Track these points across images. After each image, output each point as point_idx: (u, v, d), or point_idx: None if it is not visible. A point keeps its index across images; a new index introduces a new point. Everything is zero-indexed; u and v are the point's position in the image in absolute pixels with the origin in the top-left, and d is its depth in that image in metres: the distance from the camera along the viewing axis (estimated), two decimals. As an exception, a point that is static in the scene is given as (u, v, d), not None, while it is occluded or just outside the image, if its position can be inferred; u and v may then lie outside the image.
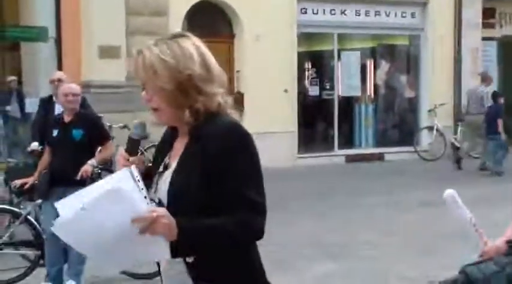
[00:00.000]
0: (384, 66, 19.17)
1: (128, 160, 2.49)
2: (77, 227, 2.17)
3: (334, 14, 17.73)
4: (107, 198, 2.15)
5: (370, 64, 18.96)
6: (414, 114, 19.03)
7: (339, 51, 18.15)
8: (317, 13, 17.56)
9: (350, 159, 17.62)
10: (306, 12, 17.38)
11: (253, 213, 2.36)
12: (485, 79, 17.24)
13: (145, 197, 2.25)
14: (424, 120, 18.65)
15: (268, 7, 16.43)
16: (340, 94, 18.07)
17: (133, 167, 2.36)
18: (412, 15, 18.70)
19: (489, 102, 16.19)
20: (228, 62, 16.77)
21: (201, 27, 16.66)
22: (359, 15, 18.00)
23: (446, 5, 18.68)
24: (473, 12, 19.01)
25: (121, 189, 2.17)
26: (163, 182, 2.45)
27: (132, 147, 2.54)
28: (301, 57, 17.49)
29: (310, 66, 18.20)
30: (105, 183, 2.26)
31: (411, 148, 17.95)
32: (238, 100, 16.55)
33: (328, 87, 18.13)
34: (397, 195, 12.48)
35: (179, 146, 2.50)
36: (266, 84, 16.42)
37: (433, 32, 18.59)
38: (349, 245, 8.71)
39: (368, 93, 18.99)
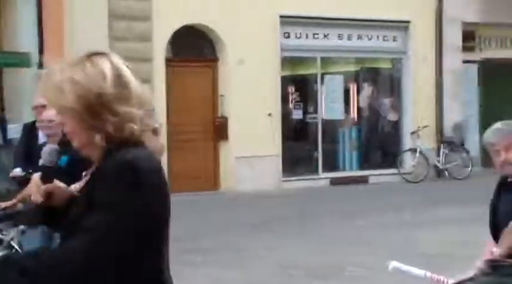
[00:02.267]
0: (367, 89, 19.29)
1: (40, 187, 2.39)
2: None
3: (317, 38, 17.87)
4: None
5: (353, 87, 19.07)
6: (397, 137, 19.13)
7: (322, 74, 18.27)
8: (300, 37, 17.70)
9: (334, 181, 17.66)
10: (289, 36, 17.51)
11: (85, 240, 2.16)
12: None
13: None
14: (407, 143, 18.76)
15: (252, 31, 16.53)
16: (323, 117, 18.15)
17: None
18: (394, 38, 18.88)
19: None
20: (212, 86, 16.86)
21: (185, 51, 16.81)
22: (341, 39, 18.15)
23: (427, 28, 18.86)
24: (453, 35, 19.20)
25: None
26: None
27: (45, 175, 2.46)
28: (285, 81, 17.59)
29: (293, 90, 18.28)
30: None
31: (395, 171, 18.04)
32: (223, 124, 16.63)
33: (311, 110, 18.21)
34: (383, 217, 12.49)
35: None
36: (250, 108, 16.49)
37: (415, 55, 18.76)
38: (337, 266, 8.71)
39: (351, 116, 19.09)
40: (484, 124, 20.42)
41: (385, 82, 19.73)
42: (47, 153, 2.53)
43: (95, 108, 2.23)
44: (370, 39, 18.52)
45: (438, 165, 18.45)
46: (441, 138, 18.86)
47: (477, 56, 20.14)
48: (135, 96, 2.29)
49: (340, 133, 18.77)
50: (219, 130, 16.67)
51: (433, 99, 19.00)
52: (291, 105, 18.13)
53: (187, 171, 15.94)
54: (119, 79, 2.27)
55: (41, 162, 2.53)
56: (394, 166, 18.27)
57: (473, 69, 20.18)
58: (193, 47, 16.95)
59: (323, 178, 17.77)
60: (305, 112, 18.17)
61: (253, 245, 10.14)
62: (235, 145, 16.64)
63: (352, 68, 19.32)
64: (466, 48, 19.64)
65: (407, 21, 18.60)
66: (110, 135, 2.24)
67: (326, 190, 17.05)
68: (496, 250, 3.99)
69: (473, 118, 20.04)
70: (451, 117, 19.14)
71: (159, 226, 2.25)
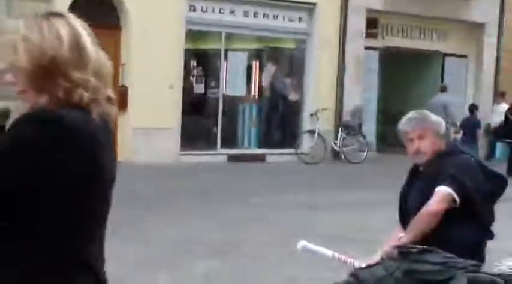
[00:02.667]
0: (270, 68, 19.33)
1: None
2: None
3: (223, 13, 17.72)
4: None
5: (256, 65, 19.08)
6: (297, 117, 19.26)
7: (226, 50, 18.16)
8: (206, 11, 17.50)
9: (232, 158, 17.65)
10: (195, 10, 17.30)
11: None
12: (444, 89, 18.59)
13: None
14: (306, 124, 18.91)
15: (157, 2, 16.23)
16: (225, 93, 18.09)
17: None
18: (300, 19, 18.95)
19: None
20: (114, 54, 16.45)
21: (87, 16, 16.17)
22: (247, 16, 18.07)
23: (333, 12, 19.01)
24: (358, 21, 19.45)
25: None
26: None
27: None
28: (189, 55, 17.41)
29: (196, 64, 18.12)
30: None
31: (293, 151, 18.16)
32: (123, 94, 16.29)
33: (213, 85, 18.11)
34: (280, 196, 12.54)
35: None
36: (151, 79, 16.20)
37: (319, 37, 18.88)
38: (235, 243, 8.67)
39: (253, 94, 19.10)
40: (382, 111, 21.06)
41: (288, 63, 19.84)
42: None
43: (48, 70, 2.15)
44: (275, 19, 18.52)
45: (335, 147, 18.70)
46: (339, 122, 19.11)
47: (379, 43, 20.50)
48: (91, 63, 2.21)
49: (240, 110, 18.75)
50: (118, 99, 16.22)
51: (334, 82, 19.20)
52: (193, 79, 17.96)
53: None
54: (75, 43, 2.19)
55: None
56: (292, 146, 18.40)
57: (375, 55, 20.53)
58: (96, 13, 16.44)
59: (221, 154, 17.72)
60: (207, 87, 18.06)
61: (150, 219, 9.97)
62: (134, 116, 16.35)
63: (256, 46, 19.33)
64: (368, 35, 19.94)
65: (314, 4, 18.68)
66: (58, 99, 2.15)
67: (224, 166, 17.00)
68: (404, 236, 4.01)
69: (371, 104, 20.43)
70: (351, 102, 19.41)
71: (52, 183, 2.10)
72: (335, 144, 18.72)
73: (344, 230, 9.61)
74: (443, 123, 4.26)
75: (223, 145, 18.01)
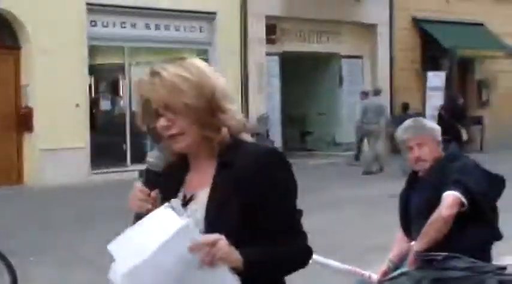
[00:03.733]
0: (174, 80, 19.16)
1: (149, 195, 2.24)
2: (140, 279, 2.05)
3: (124, 27, 17.48)
4: (166, 249, 2.04)
5: (161, 78, 18.87)
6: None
7: (130, 64, 17.89)
8: (107, 26, 17.22)
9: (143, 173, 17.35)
10: (95, 25, 16.97)
11: (301, 237, 2.28)
12: (378, 92, 18.99)
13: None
14: (214, 134, 18.82)
15: (57, 19, 15.83)
16: (132, 109, 17.79)
17: (173, 200, 2.18)
18: (201, 29, 18.90)
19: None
20: (14, 75, 15.96)
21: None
22: (149, 29, 17.89)
23: (232, 20, 19.07)
24: (257, 28, 19.58)
25: (178, 233, 2.06)
26: (192, 215, 2.22)
27: (150, 181, 2.28)
28: (93, 71, 17.01)
29: (102, 80, 17.76)
30: (152, 225, 2.12)
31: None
32: (27, 115, 15.81)
33: (119, 101, 17.80)
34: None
35: (196, 176, 2.31)
36: (57, 98, 15.80)
37: (221, 46, 18.88)
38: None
39: (159, 107, 18.88)
40: (285, 116, 21.28)
41: (191, 74, 19.68)
42: (154, 157, 2.32)
43: (211, 106, 2.22)
44: (177, 30, 18.41)
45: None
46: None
47: (279, 48, 20.69)
48: (229, 93, 2.31)
49: (148, 125, 18.49)
50: (23, 121, 15.81)
51: (238, 91, 19.23)
52: (98, 96, 17.58)
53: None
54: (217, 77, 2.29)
55: (146, 165, 2.34)
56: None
57: (275, 61, 20.71)
58: (-8, 33, 15.95)
59: (132, 170, 17.40)
60: (113, 103, 17.73)
61: (76, 242, 9.74)
62: (40, 137, 15.88)
63: (159, 58, 18.96)
64: (268, 41, 20.10)
65: (213, 13, 18.68)
66: (224, 132, 2.25)
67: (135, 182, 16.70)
68: (416, 244, 4.03)
69: (275, 110, 20.58)
70: (256, 109, 19.50)
71: None
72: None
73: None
74: (439, 129, 4.32)
75: (133, 160, 17.71)
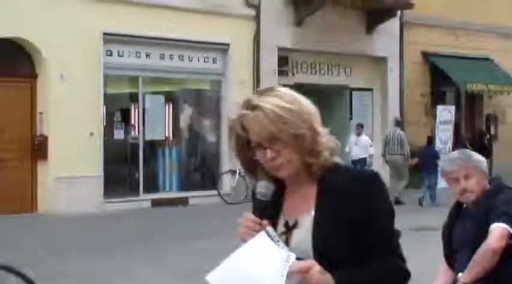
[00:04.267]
0: (187, 110, 19.28)
1: (260, 224, 2.28)
2: None
3: (139, 57, 17.60)
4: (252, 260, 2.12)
5: (174, 108, 18.98)
6: (217, 158, 19.22)
7: (144, 94, 18.00)
8: (122, 55, 17.35)
9: (155, 203, 17.42)
10: (111, 55, 17.10)
11: (399, 259, 2.32)
12: (399, 124, 19.49)
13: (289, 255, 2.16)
14: (226, 164, 18.88)
15: (73, 48, 15.98)
16: (145, 138, 17.88)
17: (268, 227, 2.24)
18: (214, 60, 19.03)
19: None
20: (30, 103, 16.07)
21: (0, 66, 15.85)
22: (163, 59, 18.01)
23: (246, 52, 19.21)
24: (270, 60, 19.72)
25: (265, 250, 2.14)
26: (298, 241, 2.30)
27: (260, 210, 2.32)
28: (107, 100, 17.10)
29: (115, 109, 17.85)
30: (252, 255, 2.18)
31: (215, 192, 18.08)
32: (42, 143, 15.89)
33: (133, 130, 17.89)
34: (222, 241, 12.38)
35: (296, 201, 2.35)
36: (71, 126, 15.91)
37: (234, 77, 19.01)
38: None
39: (172, 137, 18.97)
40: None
41: (205, 104, 19.80)
42: (264, 186, 2.34)
43: (312, 130, 2.29)
44: (190, 61, 18.53)
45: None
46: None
47: (291, 80, 20.81)
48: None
49: (160, 154, 18.57)
50: (38, 149, 15.88)
51: (252, 121, 19.27)
52: (113, 125, 17.66)
53: (2, 193, 15.08)
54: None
55: (258, 195, 2.35)
56: (213, 187, 18.33)
57: (287, 93, 20.78)
58: (9, 61, 16.06)
59: (144, 199, 17.47)
60: (126, 132, 17.81)
61: (99, 269, 9.76)
62: (54, 166, 15.95)
63: (173, 88, 19.22)
64: (280, 73, 20.24)
65: (227, 44, 18.83)
66: (326, 158, 2.30)
67: (147, 211, 16.75)
68: (464, 276, 4.07)
69: (286, 141, 20.61)
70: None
71: None
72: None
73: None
74: (485, 161, 4.37)
75: (145, 190, 17.76)
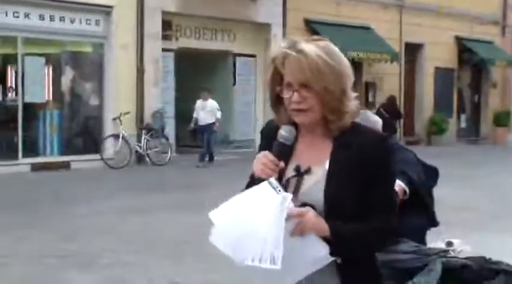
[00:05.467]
0: (69, 72, 18.83)
1: (277, 165, 2.39)
2: (232, 233, 2.24)
3: (17, 17, 17.01)
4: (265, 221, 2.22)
5: (55, 70, 18.48)
6: (99, 122, 18.90)
7: (23, 55, 17.42)
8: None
9: (36, 167, 16.99)
10: (-12, 14, 16.47)
11: (394, 216, 2.46)
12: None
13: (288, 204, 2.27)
14: (109, 128, 18.61)
15: None
16: (24, 100, 17.34)
17: (271, 179, 2.33)
18: (97, 22, 18.62)
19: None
20: None
21: None
22: (44, 20, 17.48)
23: (129, 15, 18.89)
24: (153, 24, 19.49)
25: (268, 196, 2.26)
26: (310, 187, 2.42)
27: (281, 153, 2.41)
28: (-16, 60, 16.49)
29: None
30: (253, 199, 2.28)
31: (97, 156, 17.81)
32: None
33: (11, 92, 17.31)
34: (98, 203, 12.25)
35: (310, 151, 2.48)
36: None
37: (117, 40, 18.68)
38: (90, 254, 8.42)
39: (52, 100, 18.49)
40: (180, 112, 21.26)
41: (87, 67, 19.37)
42: (288, 130, 2.45)
43: (343, 91, 2.39)
44: (72, 22, 18.07)
45: (140, 151, 18.62)
46: (142, 125, 19.03)
47: (174, 44, 20.67)
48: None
49: (41, 118, 18.07)
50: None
51: (133, 86, 19.08)
52: (-11, 86, 17.06)
53: None
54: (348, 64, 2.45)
55: (280, 138, 2.46)
56: (96, 151, 18.04)
57: (170, 57, 20.66)
58: None
59: (23, 163, 17.00)
60: (4, 95, 17.22)
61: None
62: None
63: (54, 50, 18.68)
64: (164, 37, 20.04)
65: (110, 6, 18.45)
66: (347, 116, 2.42)
67: (27, 176, 16.32)
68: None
69: (170, 106, 20.53)
70: (151, 104, 19.42)
71: None
72: (139, 147, 18.63)
73: (187, 233, 9.64)
74: (381, 122, 4.47)
75: (25, 154, 17.27)
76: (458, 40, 29.50)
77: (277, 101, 2.49)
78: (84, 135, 19.16)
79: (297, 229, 2.25)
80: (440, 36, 28.04)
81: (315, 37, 2.48)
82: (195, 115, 18.79)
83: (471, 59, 29.70)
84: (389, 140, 2.51)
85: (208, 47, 21.72)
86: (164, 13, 19.79)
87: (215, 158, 18.98)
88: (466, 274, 5.86)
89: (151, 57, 19.51)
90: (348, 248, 2.35)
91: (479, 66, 30.65)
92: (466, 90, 31.17)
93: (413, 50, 27.73)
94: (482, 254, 6.38)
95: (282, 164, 2.39)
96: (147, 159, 18.55)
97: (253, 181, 2.39)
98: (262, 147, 2.50)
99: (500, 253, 7.67)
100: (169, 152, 18.78)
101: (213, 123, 18.74)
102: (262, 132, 2.61)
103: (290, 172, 2.45)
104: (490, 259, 5.93)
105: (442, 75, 28.96)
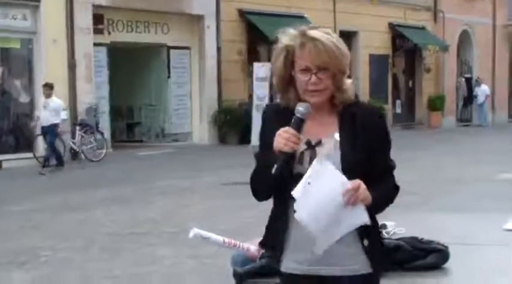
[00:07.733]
0: (-3, 69, 18.33)
1: (299, 138, 2.68)
2: (308, 204, 2.63)
3: None
4: (325, 178, 2.64)
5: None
6: (31, 120, 18.41)
7: None
8: None
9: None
10: None
11: (394, 176, 2.89)
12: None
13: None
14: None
15: None
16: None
17: (321, 156, 2.70)
18: (24, 17, 18.17)
19: None
20: None
21: None
22: (-32, 15, 16.98)
23: (58, 9, 18.50)
24: (84, 18, 19.12)
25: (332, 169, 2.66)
26: (324, 157, 2.70)
27: (299, 127, 2.68)
28: None
29: None
30: (323, 178, 2.65)
31: (30, 155, 17.39)
32: None
33: None
34: (32, 201, 11.96)
35: (318, 126, 2.79)
36: None
37: (46, 35, 18.26)
38: (25, 251, 8.17)
39: (-19, 98, 17.99)
40: (114, 107, 20.96)
41: (16, 63, 18.84)
42: (305, 106, 2.70)
43: (344, 72, 2.79)
44: (-2, 18, 17.61)
45: (74, 147, 18.25)
46: (76, 121, 18.67)
47: (107, 39, 20.33)
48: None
49: (-31, 116, 17.56)
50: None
51: (66, 81, 18.69)
52: None
53: None
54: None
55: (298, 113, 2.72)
56: (29, 150, 17.61)
57: (103, 52, 20.32)
58: None
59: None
60: None
61: None
62: None
63: (-20, 46, 18.16)
64: (96, 31, 19.70)
65: (38, 0, 18.02)
66: (349, 93, 2.82)
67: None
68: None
69: (104, 101, 20.21)
70: (85, 100, 19.07)
71: None
72: (73, 143, 18.26)
73: (128, 226, 9.48)
74: None
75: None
76: (392, 27, 29.79)
77: (286, 82, 2.80)
78: (16, 133, 18.67)
79: (351, 201, 2.62)
80: (374, 23, 28.28)
81: (314, 25, 2.84)
82: (37, 113, 17.22)
83: (404, 45, 30.06)
84: (383, 112, 2.88)
85: (141, 40, 21.46)
86: (95, 7, 19.43)
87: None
88: (400, 255, 5.91)
89: (83, 52, 19.14)
90: (380, 210, 2.79)
91: (413, 52, 31.02)
92: (401, 76, 31.53)
93: (347, 38, 27.87)
94: (416, 235, 6.41)
95: (301, 137, 2.70)
96: (82, 155, 18.19)
97: (269, 154, 2.68)
98: (267, 129, 2.79)
99: (434, 232, 7.68)
100: (105, 148, 18.46)
101: (57, 124, 16.40)
102: (265, 116, 2.88)
103: (302, 147, 2.76)
104: (422, 239, 6.00)
105: (377, 62, 29.23)
